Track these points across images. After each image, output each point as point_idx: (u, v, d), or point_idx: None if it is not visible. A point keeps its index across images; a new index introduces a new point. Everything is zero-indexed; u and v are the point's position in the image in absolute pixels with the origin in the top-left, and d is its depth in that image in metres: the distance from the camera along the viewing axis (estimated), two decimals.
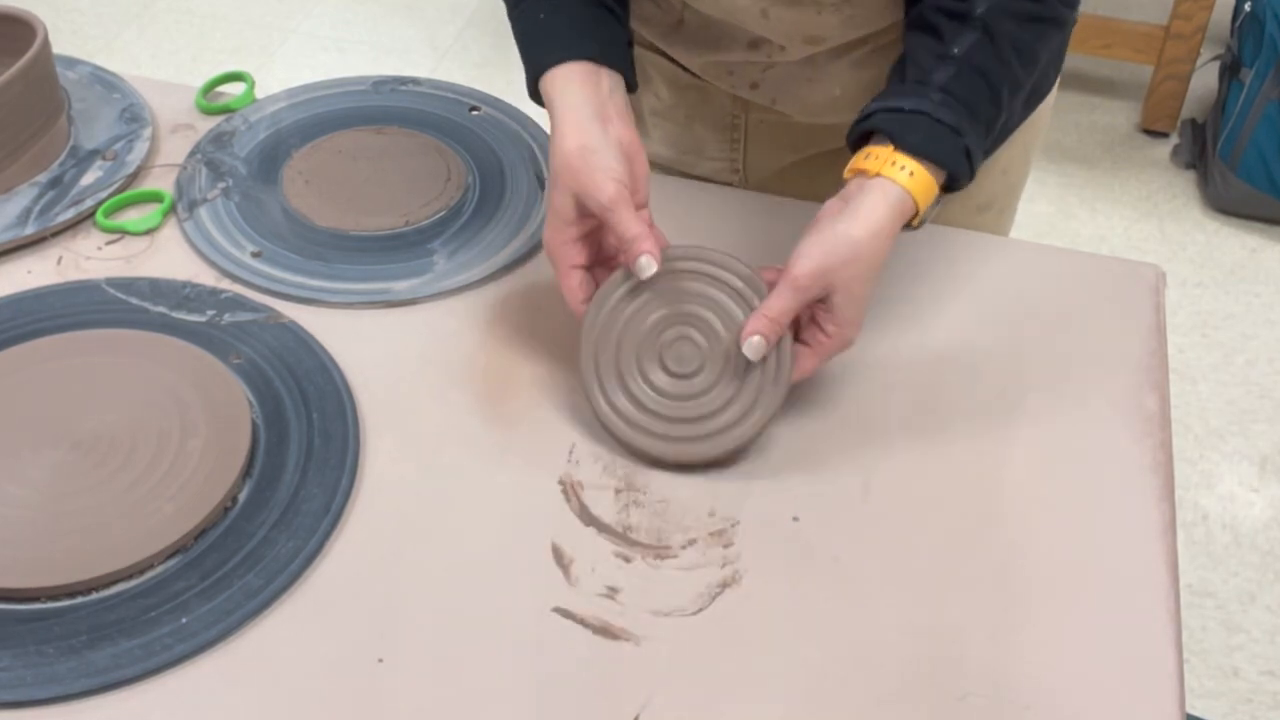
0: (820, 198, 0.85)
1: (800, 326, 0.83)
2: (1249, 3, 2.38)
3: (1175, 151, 2.54)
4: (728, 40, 0.97)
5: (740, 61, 0.98)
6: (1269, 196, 2.32)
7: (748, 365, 0.81)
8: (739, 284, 0.82)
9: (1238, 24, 2.43)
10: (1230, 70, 2.41)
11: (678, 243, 0.85)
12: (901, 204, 0.79)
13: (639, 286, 0.83)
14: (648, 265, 0.80)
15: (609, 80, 0.85)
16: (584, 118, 0.82)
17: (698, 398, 0.82)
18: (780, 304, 0.79)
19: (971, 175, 0.82)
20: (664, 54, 1.03)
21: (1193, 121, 2.56)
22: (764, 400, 0.81)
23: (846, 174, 0.81)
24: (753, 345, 0.79)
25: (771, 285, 0.81)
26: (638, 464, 0.83)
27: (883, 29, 0.93)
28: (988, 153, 0.85)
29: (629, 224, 0.80)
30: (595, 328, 0.83)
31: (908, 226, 0.81)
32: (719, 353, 0.82)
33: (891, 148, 0.79)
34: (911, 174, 0.79)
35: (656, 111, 1.08)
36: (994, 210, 1.09)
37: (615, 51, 0.87)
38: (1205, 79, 2.54)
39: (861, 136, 0.82)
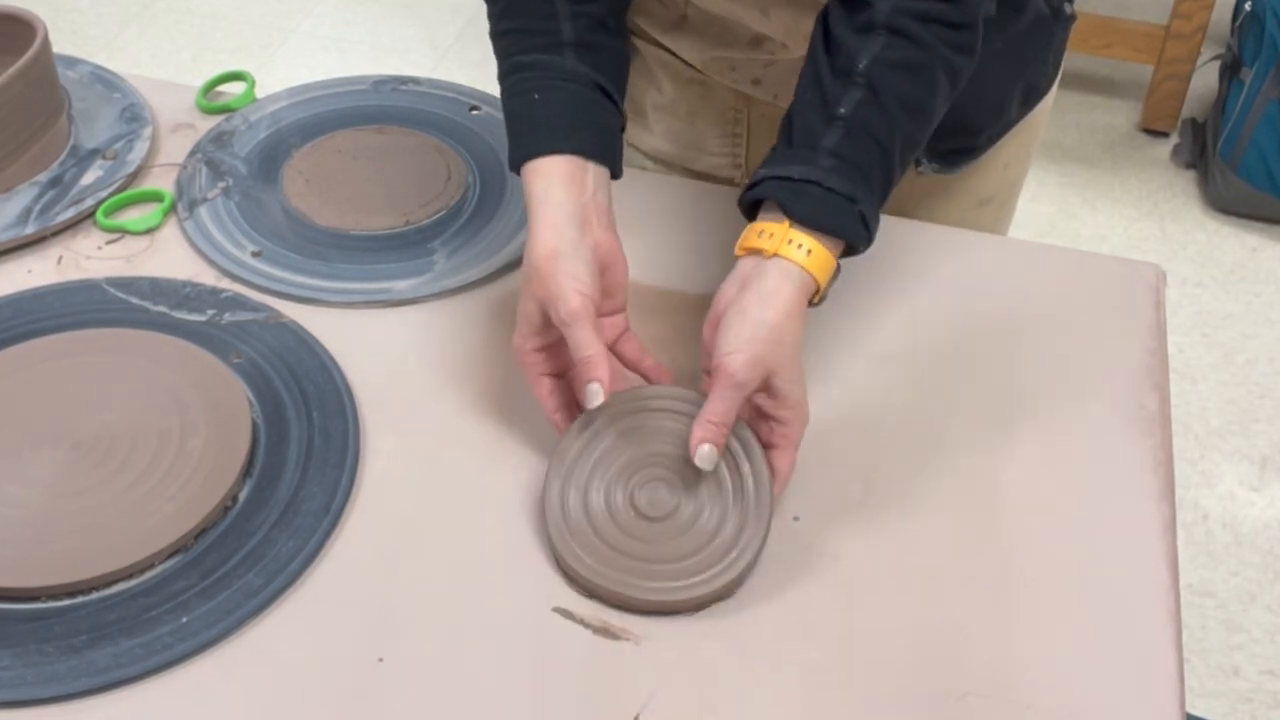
0: None
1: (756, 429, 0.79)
2: (1249, 2, 2.38)
3: (1175, 151, 2.54)
4: (730, 37, 0.97)
5: (742, 58, 0.98)
6: (1269, 196, 2.32)
7: (730, 494, 0.77)
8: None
9: (1238, 23, 2.43)
10: (1230, 70, 2.41)
11: (662, 387, 0.82)
12: (803, 283, 0.76)
13: (602, 428, 0.80)
14: (594, 394, 0.76)
15: (594, 178, 0.82)
16: (561, 219, 0.79)
17: (678, 539, 0.76)
18: (721, 405, 0.75)
19: (869, 241, 0.79)
20: (667, 49, 1.03)
21: (1193, 121, 2.55)
22: (751, 523, 0.76)
23: (738, 251, 0.78)
24: (704, 455, 0.75)
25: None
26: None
27: None
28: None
29: (585, 343, 0.77)
30: (560, 475, 0.78)
31: (810, 304, 0.78)
32: (694, 490, 0.78)
33: (787, 223, 0.76)
34: (809, 252, 0.76)
35: (659, 106, 1.08)
36: (994, 205, 1.09)
37: (605, 141, 0.84)
38: (1205, 78, 2.54)
39: (753, 205, 0.80)
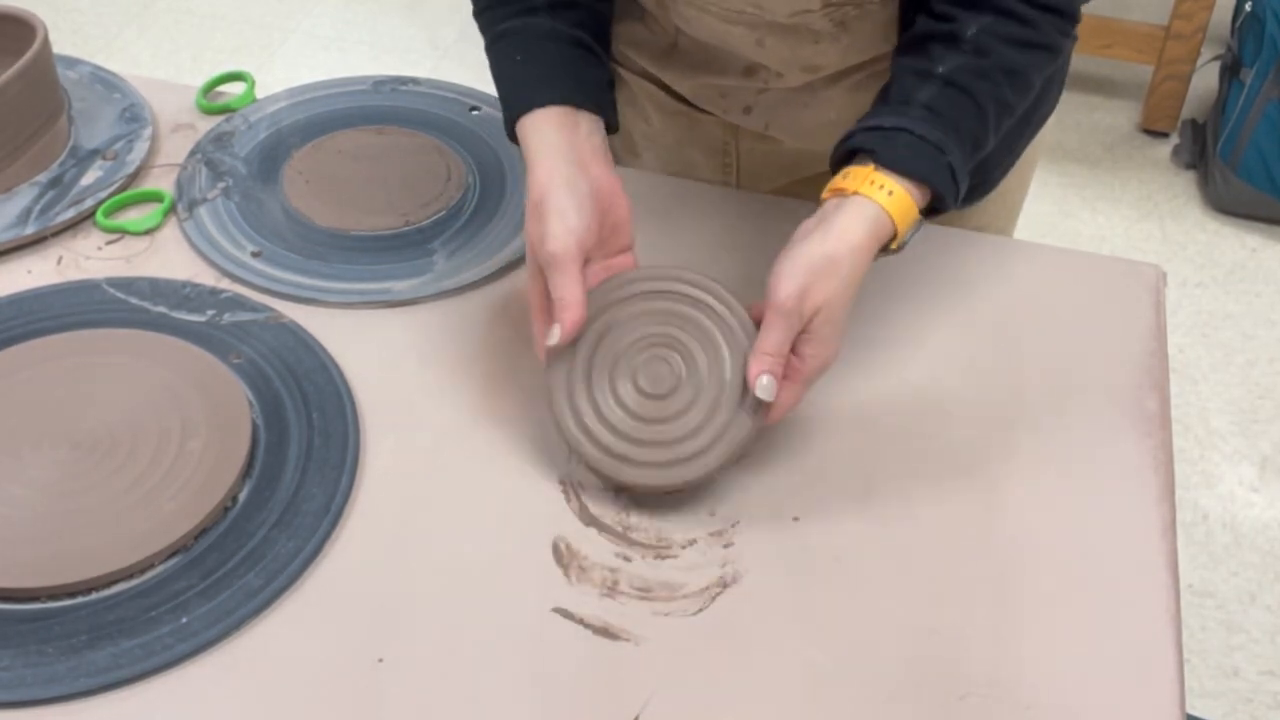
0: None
1: None
2: (1249, 3, 2.37)
3: (1175, 151, 2.53)
4: (721, 65, 0.96)
5: (734, 86, 0.97)
6: (1269, 196, 2.32)
7: (721, 393, 0.78)
8: (720, 309, 0.79)
9: (1238, 24, 2.43)
10: (1230, 70, 2.41)
11: (657, 263, 0.82)
12: (878, 222, 0.75)
13: (618, 306, 0.80)
14: (552, 334, 0.77)
15: (587, 123, 0.83)
16: (556, 158, 0.79)
17: (667, 422, 0.78)
18: (775, 336, 0.75)
19: (958, 196, 0.79)
20: (653, 80, 1.02)
21: (1193, 121, 2.55)
22: (733, 430, 0.77)
23: (825, 195, 0.79)
24: (764, 386, 0.75)
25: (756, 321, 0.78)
26: None
27: (881, 55, 0.92)
28: (992, 179, 0.82)
29: (560, 286, 0.77)
30: (562, 381, 0.80)
31: (886, 251, 0.78)
32: (695, 378, 0.79)
33: (871, 166, 0.76)
34: (890, 193, 0.76)
35: (647, 136, 1.07)
36: (992, 231, 1.08)
37: (594, 93, 0.84)
38: (1205, 79, 2.54)
39: (843, 159, 0.80)
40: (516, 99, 0.83)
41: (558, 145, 0.80)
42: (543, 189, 0.78)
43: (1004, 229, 1.11)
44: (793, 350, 0.77)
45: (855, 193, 0.76)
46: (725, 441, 0.77)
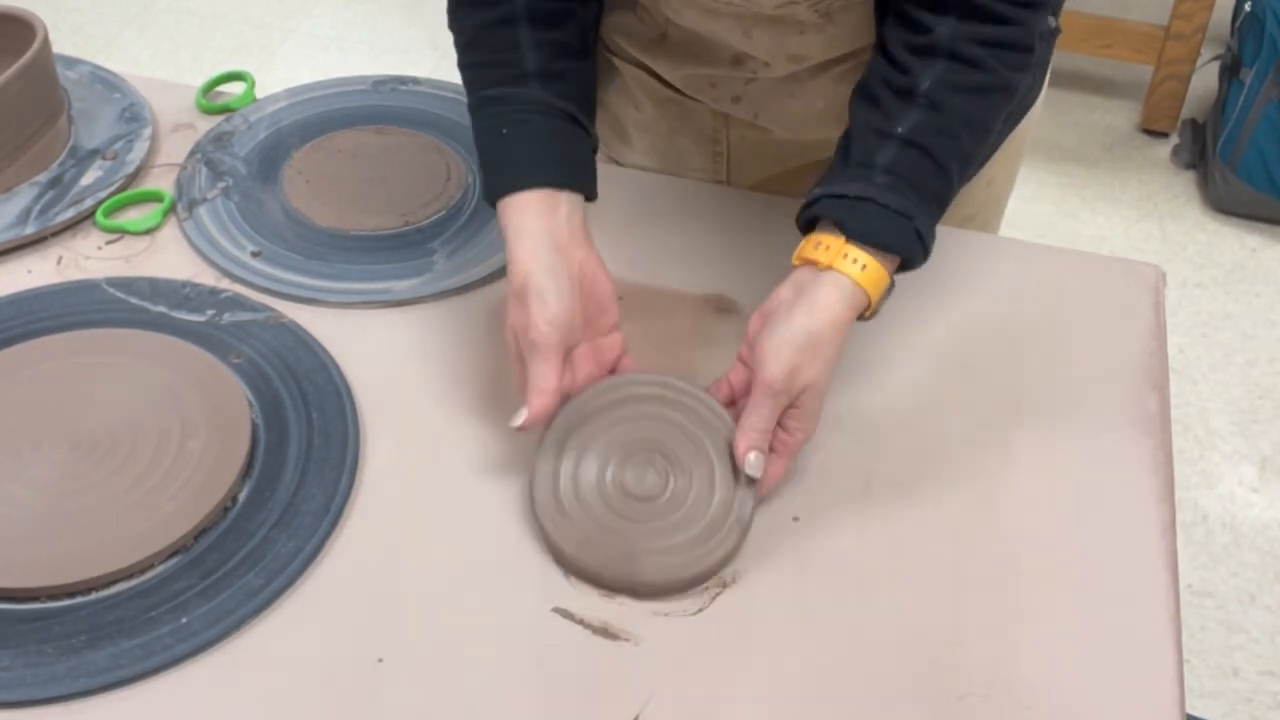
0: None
1: None
2: (1249, 3, 2.37)
3: (1175, 151, 2.53)
4: (710, 55, 0.96)
5: (723, 75, 0.98)
6: (1269, 196, 2.32)
7: (712, 477, 0.78)
8: (704, 412, 0.80)
9: (1238, 24, 2.43)
10: (1230, 70, 2.41)
11: (644, 370, 0.84)
12: (854, 298, 0.77)
13: (591, 414, 0.81)
14: (519, 416, 0.77)
15: (567, 204, 0.83)
16: (536, 246, 0.80)
17: (665, 518, 0.77)
18: (763, 414, 0.77)
19: (926, 256, 0.80)
20: (645, 68, 1.02)
21: (1193, 121, 2.55)
22: (737, 507, 0.77)
23: (795, 261, 0.80)
24: (752, 462, 0.77)
25: (733, 397, 0.80)
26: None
27: (866, 45, 0.92)
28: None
29: (539, 375, 0.77)
30: (550, 453, 0.79)
31: (860, 318, 0.80)
32: (683, 474, 0.79)
33: (843, 238, 0.78)
34: (864, 267, 0.77)
35: (639, 124, 1.07)
36: (978, 221, 1.09)
37: (576, 171, 0.85)
38: (1205, 79, 2.54)
39: (809, 221, 0.81)
40: (498, 177, 0.84)
41: (536, 232, 0.81)
42: (524, 276, 0.79)
43: (991, 218, 1.12)
44: (779, 425, 0.78)
45: (830, 267, 0.77)
46: (735, 518, 0.77)
